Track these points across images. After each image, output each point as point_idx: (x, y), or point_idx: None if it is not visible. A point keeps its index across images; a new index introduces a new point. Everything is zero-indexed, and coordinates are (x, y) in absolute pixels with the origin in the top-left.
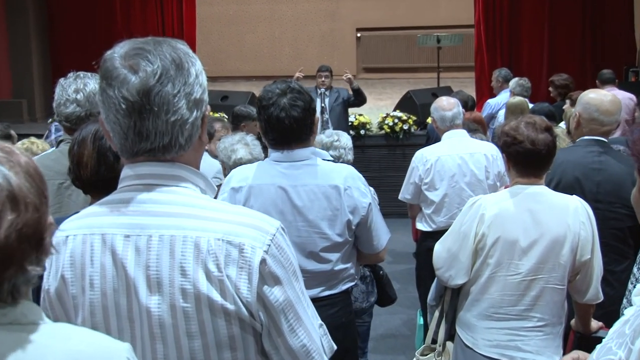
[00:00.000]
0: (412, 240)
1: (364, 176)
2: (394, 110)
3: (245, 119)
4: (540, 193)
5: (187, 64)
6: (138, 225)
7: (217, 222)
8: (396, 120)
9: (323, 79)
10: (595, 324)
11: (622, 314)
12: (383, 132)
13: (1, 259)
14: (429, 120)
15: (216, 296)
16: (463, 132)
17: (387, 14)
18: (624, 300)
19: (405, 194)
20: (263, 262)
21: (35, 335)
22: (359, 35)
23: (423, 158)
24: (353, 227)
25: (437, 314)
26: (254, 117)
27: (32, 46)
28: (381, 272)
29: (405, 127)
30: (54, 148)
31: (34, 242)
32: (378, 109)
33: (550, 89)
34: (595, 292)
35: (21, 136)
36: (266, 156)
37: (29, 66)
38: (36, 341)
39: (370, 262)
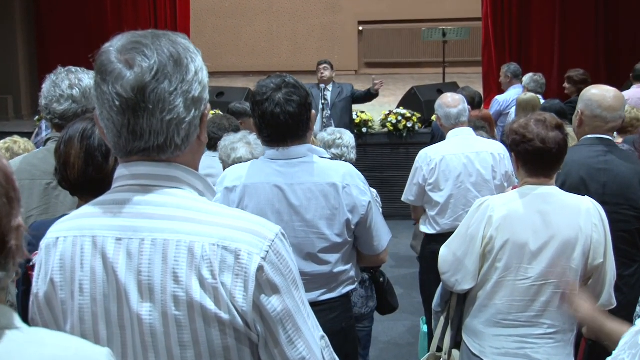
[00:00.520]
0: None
1: (365, 176)
2: (398, 107)
3: (242, 115)
4: (550, 194)
5: (186, 60)
6: (131, 228)
7: (213, 226)
8: (400, 118)
9: (322, 71)
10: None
11: (635, 324)
12: (386, 130)
13: None
14: (434, 117)
15: (210, 304)
16: (469, 130)
17: (391, 7)
18: (638, 308)
19: (408, 195)
20: (260, 269)
21: (6, 341)
22: (360, 28)
23: (427, 157)
24: (352, 227)
25: (442, 320)
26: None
27: (18, 40)
28: (382, 279)
29: (409, 125)
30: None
31: None
32: (381, 106)
33: (566, 84)
34: (608, 298)
35: (6, 134)
36: None
37: (14, 61)
38: (8, 347)
39: (371, 264)
